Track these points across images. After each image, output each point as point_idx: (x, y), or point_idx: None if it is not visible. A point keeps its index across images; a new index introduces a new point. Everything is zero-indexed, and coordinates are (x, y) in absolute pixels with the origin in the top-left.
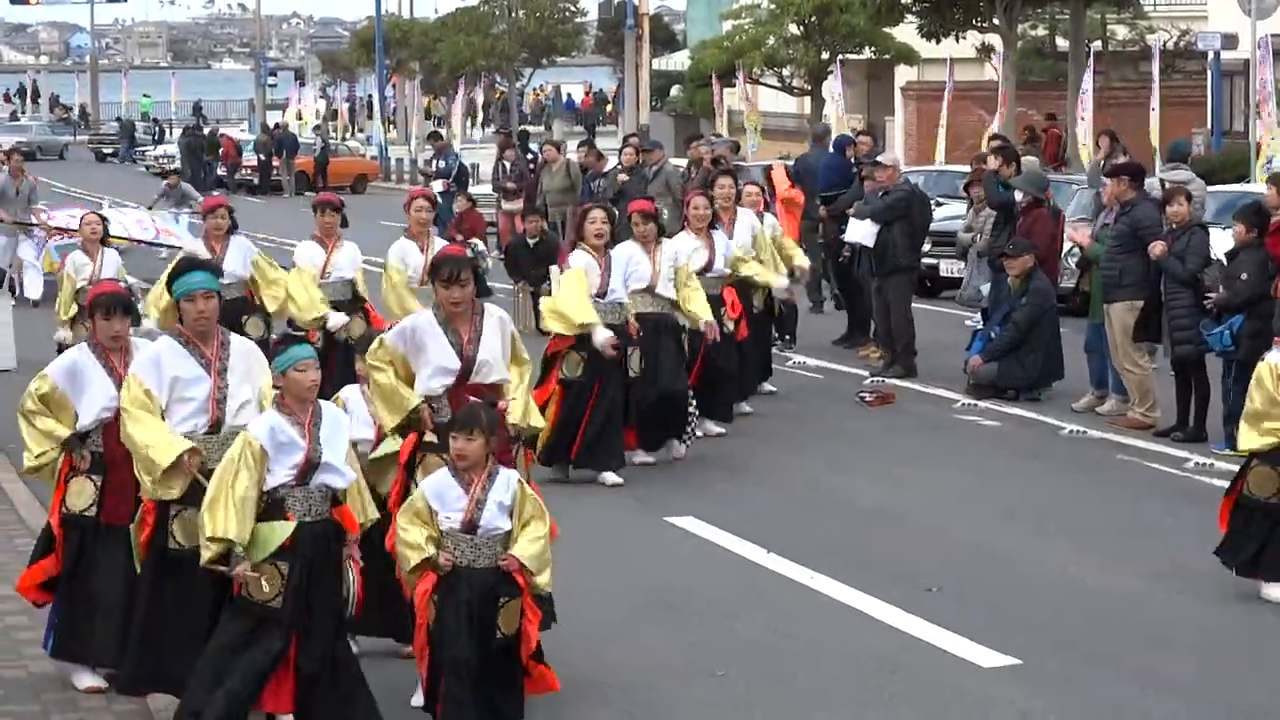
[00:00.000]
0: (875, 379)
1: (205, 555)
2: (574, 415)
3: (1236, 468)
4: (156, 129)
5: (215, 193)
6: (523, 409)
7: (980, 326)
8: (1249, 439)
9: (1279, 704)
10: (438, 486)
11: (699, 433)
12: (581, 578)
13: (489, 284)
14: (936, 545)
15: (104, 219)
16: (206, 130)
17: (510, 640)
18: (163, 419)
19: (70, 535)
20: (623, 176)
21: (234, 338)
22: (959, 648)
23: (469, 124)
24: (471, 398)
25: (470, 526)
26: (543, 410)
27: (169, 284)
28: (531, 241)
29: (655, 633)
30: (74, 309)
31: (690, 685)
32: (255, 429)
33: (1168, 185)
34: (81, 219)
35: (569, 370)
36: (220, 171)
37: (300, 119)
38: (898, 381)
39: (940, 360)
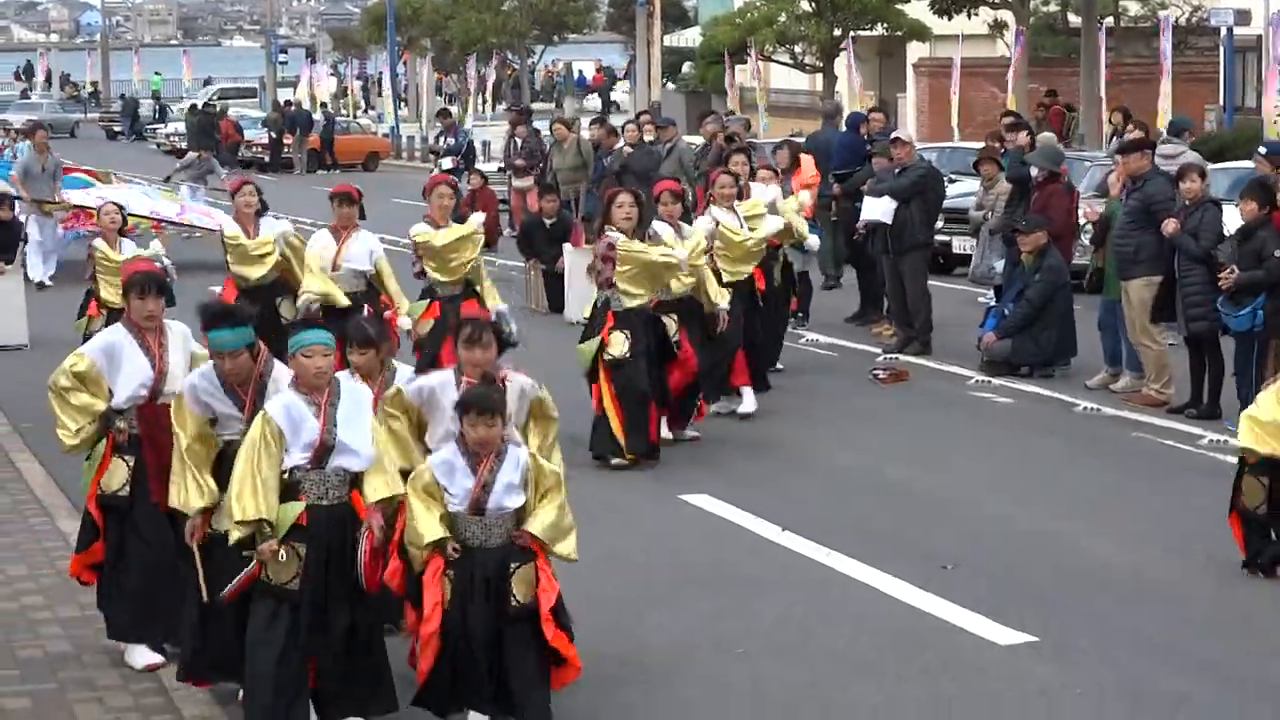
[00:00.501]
0: (889, 356)
1: (233, 536)
2: (635, 397)
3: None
4: (157, 108)
5: (225, 171)
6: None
7: (993, 303)
8: (1247, 435)
9: None
10: (445, 464)
11: (737, 409)
12: (596, 555)
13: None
14: (951, 522)
15: (121, 207)
16: (217, 107)
17: (527, 611)
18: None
19: (109, 518)
20: (627, 150)
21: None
22: (975, 625)
23: (480, 102)
24: None
25: (478, 508)
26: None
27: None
28: (548, 221)
29: (672, 610)
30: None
31: (709, 662)
32: (271, 408)
33: (1158, 159)
34: (100, 208)
35: (615, 350)
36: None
37: (314, 97)
38: (911, 359)
39: (953, 337)
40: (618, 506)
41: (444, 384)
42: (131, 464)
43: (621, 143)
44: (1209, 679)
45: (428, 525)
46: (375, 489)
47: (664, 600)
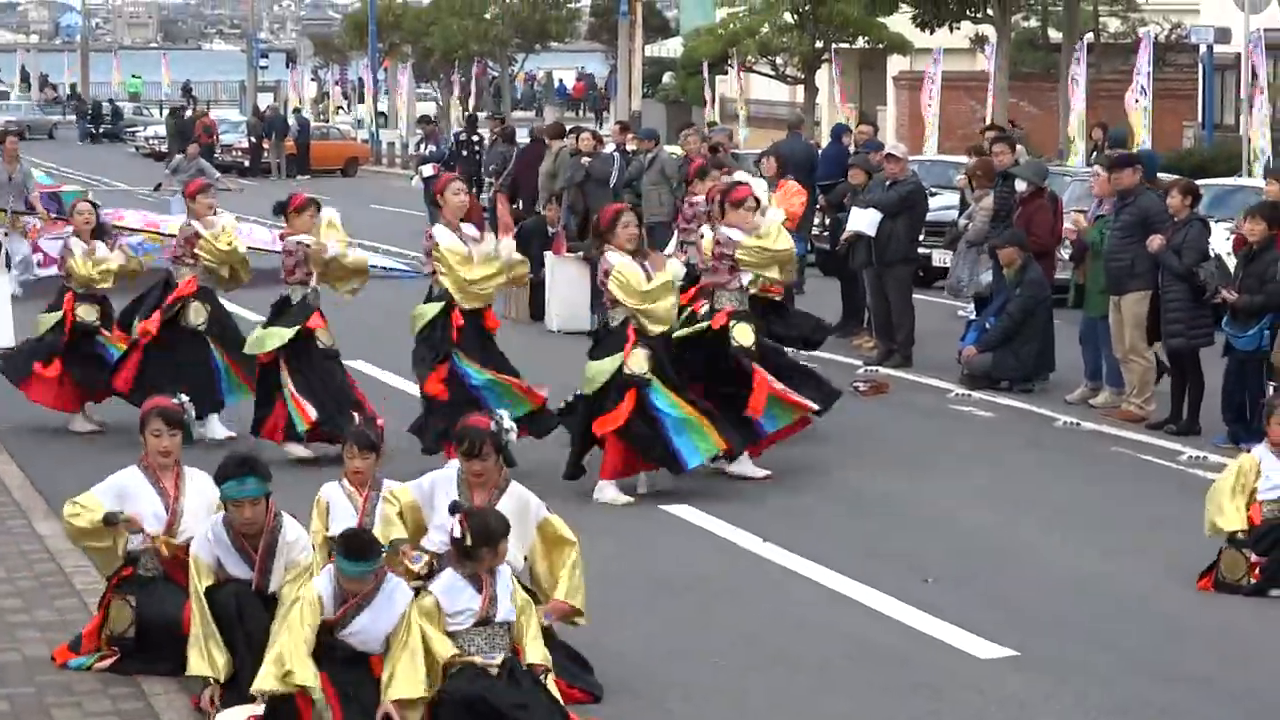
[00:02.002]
0: (870, 369)
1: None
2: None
3: (1230, 461)
4: (111, 108)
5: (219, 175)
6: (565, 589)
7: (974, 317)
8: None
9: None
10: (449, 589)
11: None
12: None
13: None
14: (932, 535)
15: (96, 206)
16: (194, 111)
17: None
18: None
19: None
20: (586, 160)
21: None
22: (956, 638)
23: (462, 110)
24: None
25: (485, 619)
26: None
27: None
28: (551, 230)
29: (652, 620)
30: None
31: (687, 673)
32: (319, 585)
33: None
34: (71, 206)
35: (638, 367)
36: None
37: (300, 103)
38: (892, 371)
39: (934, 350)
40: (597, 516)
41: (445, 481)
42: (134, 604)
43: (608, 150)
44: (1191, 690)
45: (441, 643)
46: (399, 688)
47: (644, 610)
